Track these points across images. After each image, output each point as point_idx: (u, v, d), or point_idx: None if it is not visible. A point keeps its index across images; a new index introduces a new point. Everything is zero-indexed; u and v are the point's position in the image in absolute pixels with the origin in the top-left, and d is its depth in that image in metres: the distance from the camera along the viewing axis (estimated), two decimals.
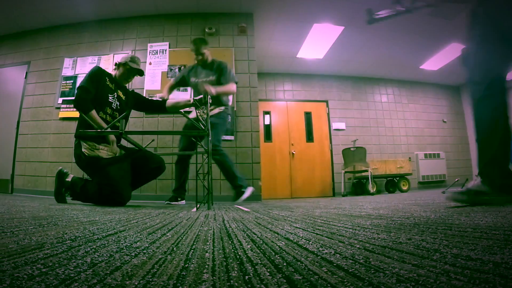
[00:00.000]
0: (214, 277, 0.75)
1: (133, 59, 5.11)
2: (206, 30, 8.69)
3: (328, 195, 12.22)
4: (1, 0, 8.18)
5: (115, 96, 4.91)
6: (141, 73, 5.21)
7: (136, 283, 0.69)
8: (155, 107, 5.63)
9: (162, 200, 7.20)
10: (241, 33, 8.74)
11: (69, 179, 4.76)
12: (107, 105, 4.81)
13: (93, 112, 4.52)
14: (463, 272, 0.72)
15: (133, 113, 5.69)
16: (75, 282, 0.68)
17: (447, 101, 14.48)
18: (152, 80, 8.41)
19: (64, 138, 8.12)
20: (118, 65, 5.11)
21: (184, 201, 6.06)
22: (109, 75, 5.03)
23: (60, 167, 4.93)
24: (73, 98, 4.62)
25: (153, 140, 6.08)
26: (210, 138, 4.71)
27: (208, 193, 4.42)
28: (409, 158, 12.41)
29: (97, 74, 4.77)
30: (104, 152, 4.69)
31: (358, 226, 1.76)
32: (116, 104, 4.91)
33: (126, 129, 4.74)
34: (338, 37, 10.23)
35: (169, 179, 7.56)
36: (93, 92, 4.62)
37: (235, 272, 0.80)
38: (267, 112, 12.71)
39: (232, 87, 5.96)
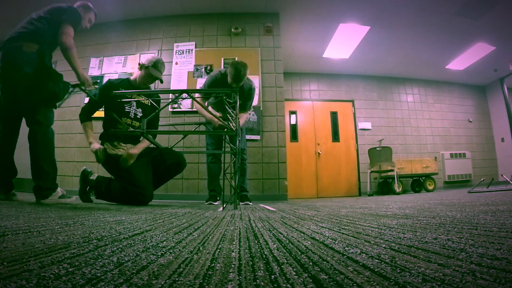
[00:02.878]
0: (240, 277, 0.75)
1: (156, 65, 5.02)
2: (232, 30, 8.71)
3: (354, 194, 12.18)
4: (29, 1, 8.27)
5: (133, 104, 4.88)
6: (160, 81, 5.16)
7: (162, 283, 0.69)
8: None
9: (188, 200, 7.23)
10: (267, 33, 8.74)
11: (93, 177, 4.80)
12: (124, 115, 4.81)
13: (87, 124, 4.79)
14: (489, 272, 0.72)
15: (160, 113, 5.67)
16: (102, 282, 0.69)
17: (473, 100, 14.37)
18: (178, 80, 8.45)
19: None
20: (141, 67, 5.05)
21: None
22: (124, 84, 4.99)
23: (84, 167, 4.98)
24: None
25: (184, 137, 6.03)
26: (239, 138, 4.68)
27: (235, 193, 4.39)
28: (435, 157, 12.31)
29: (104, 90, 4.85)
30: (125, 151, 4.71)
31: (384, 226, 1.76)
32: (135, 113, 4.88)
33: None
34: (364, 37, 10.19)
35: (195, 178, 7.62)
36: (97, 108, 4.89)
37: (261, 271, 0.80)
38: (293, 112, 12.72)
39: (247, 115, 6.03)
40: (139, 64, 5.08)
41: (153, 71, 4.97)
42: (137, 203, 4.48)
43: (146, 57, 5.52)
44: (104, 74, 8.73)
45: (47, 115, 4.01)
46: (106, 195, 4.69)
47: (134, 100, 4.87)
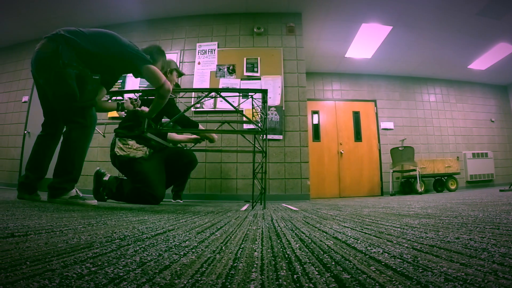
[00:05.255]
0: (263, 276, 0.75)
1: (175, 65, 5.22)
2: (255, 30, 8.70)
3: (376, 194, 12.18)
4: (55, 1, 8.37)
5: None
6: (181, 74, 5.34)
7: (185, 282, 0.69)
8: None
9: (211, 200, 7.24)
10: (290, 33, 8.74)
11: (106, 178, 4.91)
12: None
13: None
14: (511, 271, 0.72)
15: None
16: (124, 281, 0.69)
17: (495, 100, 14.28)
18: (201, 80, 8.47)
19: (113, 137, 8.18)
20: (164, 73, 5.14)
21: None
22: None
23: (98, 168, 5.07)
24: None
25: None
26: (265, 137, 4.74)
27: (263, 192, 4.47)
28: (457, 157, 12.18)
29: None
30: (140, 152, 4.79)
31: (406, 225, 1.76)
32: None
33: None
34: (386, 37, 10.14)
35: (217, 178, 7.67)
36: None
37: (284, 271, 0.81)
38: (316, 112, 12.71)
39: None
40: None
41: (177, 70, 5.17)
42: (147, 203, 4.55)
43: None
44: (127, 74, 8.76)
45: (86, 115, 3.82)
46: (117, 195, 4.78)
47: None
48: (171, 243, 1.23)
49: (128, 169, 4.76)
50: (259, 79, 8.29)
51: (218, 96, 5.36)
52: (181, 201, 5.96)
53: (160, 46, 4.51)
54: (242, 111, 7.59)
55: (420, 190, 10.35)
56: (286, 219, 2.43)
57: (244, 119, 6.12)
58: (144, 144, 4.82)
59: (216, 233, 1.55)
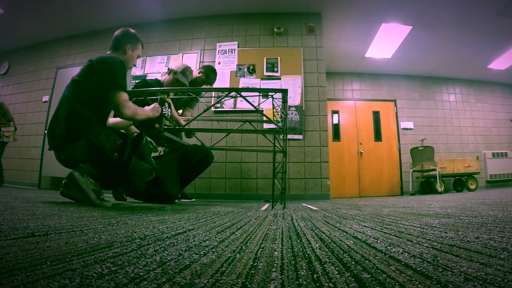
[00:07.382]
0: (283, 276, 0.76)
1: (184, 72, 5.16)
2: (275, 29, 8.69)
3: (396, 194, 12.12)
4: (75, 1, 8.42)
5: (166, 106, 4.93)
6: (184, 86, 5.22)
7: (205, 282, 0.70)
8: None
9: (231, 199, 7.25)
10: (310, 33, 8.71)
11: None
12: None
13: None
14: None
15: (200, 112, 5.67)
16: (144, 281, 0.70)
17: None
18: (221, 80, 8.43)
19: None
20: (169, 71, 5.20)
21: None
22: (157, 85, 5.03)
23: None
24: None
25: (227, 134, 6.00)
26: (285, 137, 4.75)
27: (283, 192, 4.51)
28: (477, 157, 12.10)
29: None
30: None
31: (426, 225, 1.76)
32: (167, 114, 4.96)
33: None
34: (406, 36, 10.09)
35: (237, 178, 7.69)
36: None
37: (304, 270, 0.81)
38: (336, 112, 12.69)
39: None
40: (169, 69, 5.21)
41: (180, 77, 5.12)
42: (161, 202, 4.63)
43: (175, 63, 5.48)
44: (146, 73, 8.78)
45: None
46: (134, 194, 4.83)
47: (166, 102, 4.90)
48: (191, 242, 1.24)
49: None
50: (279, 79, 8.29)
51: (238, 96, 5.35)
52: (188, 200, 6.02)
53: (129, 29, 4.03)
54: (262, 110, 7.57)
55: (440, 190, 10.30)
56: (306, 218, 2.44)
57: (264, 118, 6.13)
58: (160, 145, 4.87)
59: (236, 233, 1.56)
